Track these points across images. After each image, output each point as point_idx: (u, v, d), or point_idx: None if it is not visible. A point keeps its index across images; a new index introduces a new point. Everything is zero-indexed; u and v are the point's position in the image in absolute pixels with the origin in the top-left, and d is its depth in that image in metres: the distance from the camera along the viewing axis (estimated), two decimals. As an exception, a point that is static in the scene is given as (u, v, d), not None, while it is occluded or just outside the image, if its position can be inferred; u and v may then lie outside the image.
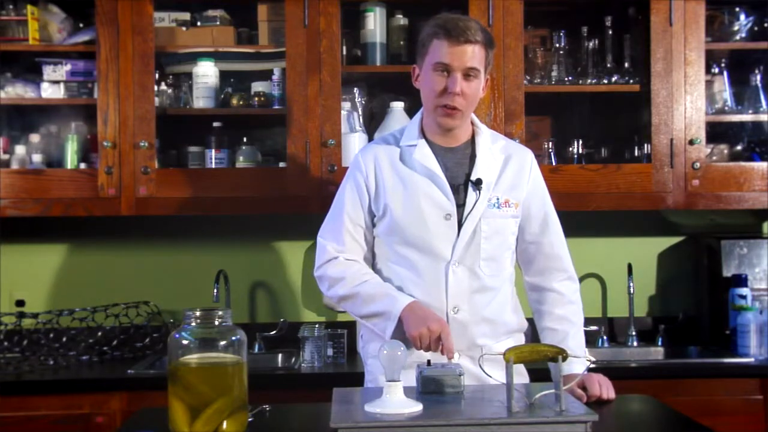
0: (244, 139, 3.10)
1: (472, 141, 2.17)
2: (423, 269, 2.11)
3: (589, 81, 3.07)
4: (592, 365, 2.18)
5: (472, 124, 2.19)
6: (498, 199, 2.13)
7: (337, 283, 2.14)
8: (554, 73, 3.08)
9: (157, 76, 3.00)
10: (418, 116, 2.20)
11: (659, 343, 3.15)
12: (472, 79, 2.06)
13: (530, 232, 2.20)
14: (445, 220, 2.10)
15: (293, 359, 2.95)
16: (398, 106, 2.98)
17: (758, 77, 3.09)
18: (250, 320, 3.25)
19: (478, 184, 2.10)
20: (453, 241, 2.10)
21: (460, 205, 2.11)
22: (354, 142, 2.97)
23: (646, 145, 3.03)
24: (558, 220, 2.23)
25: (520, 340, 2.23)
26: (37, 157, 3.00)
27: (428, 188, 2.11)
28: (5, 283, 3.21)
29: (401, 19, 3.07)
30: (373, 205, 2.16)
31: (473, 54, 2.04)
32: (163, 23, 3.07)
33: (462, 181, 2.13)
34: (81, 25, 3.05)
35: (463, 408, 1.72)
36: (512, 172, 2.17)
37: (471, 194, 2.11)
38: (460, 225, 2.10)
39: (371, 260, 2.22)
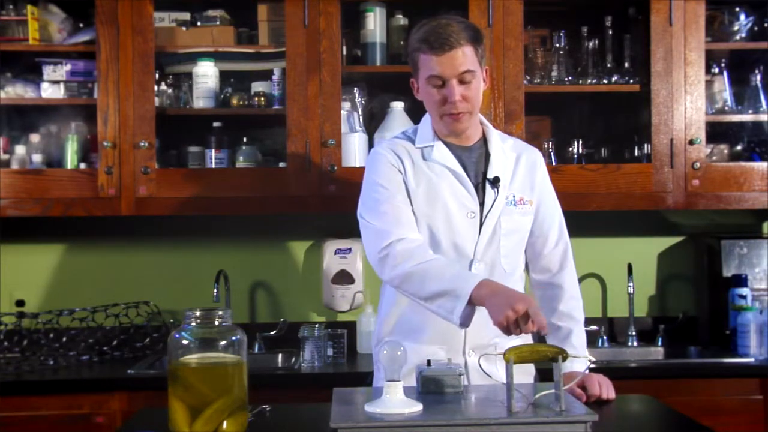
0: (244, 139, 3.10)
1: (484, 140, 2.18)
2: None
3: (589, 81, 3.07)
4: (593, 365, 2.18)
5: (481, 123, 2.20)
6: (514, 196, 2.15)
7: (405, 259, 2.00)
8: (554, 73, 3.07)
9: (157, 76, 3.00)
10: (428, 118, 2.19)
11: (659, 343, 3.15)
12: (469, 80, 2.06)
13: (538, 229, 2.22)
14: (469, 219, 2.11)
15: (293, 359, 2.95)
16: (398, 106, 2.98)
17: (758, 77, 3.08)
18: (250, 320, 3.25)
19: (495, 182, 2.11)
20: (475, 239, 2.11)
21: (480, 204, 2.12)
22: (354, 142, 2.97)
23: (646, 145, 3.03)
24: (563, 217, 2.26)
25: (528, 338, 2.23)
26: (37, 157, 3.00)
27: (453, 187, 2.11)
28: (5, 283, 3.21)
29: (401, 19, 3.06)
30: None
31: (463, 58, 2.03)
32: (163, 23, 3.07)
33: (480, 180, 2.14)
34: (81, 25, 3.05)
35: (463, 408, 1.72)
36: (524, 171, 2.19)
37: (489, 192, 2.12)
38: (480, 223, 2.11)
39: None
